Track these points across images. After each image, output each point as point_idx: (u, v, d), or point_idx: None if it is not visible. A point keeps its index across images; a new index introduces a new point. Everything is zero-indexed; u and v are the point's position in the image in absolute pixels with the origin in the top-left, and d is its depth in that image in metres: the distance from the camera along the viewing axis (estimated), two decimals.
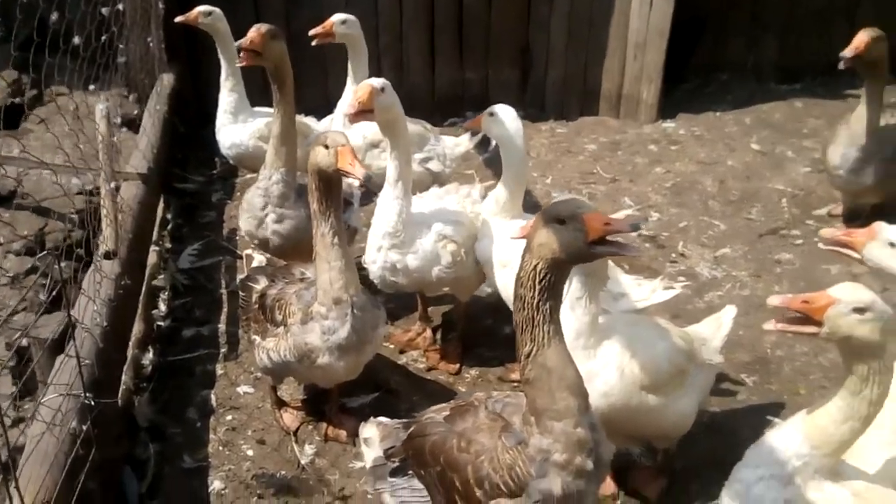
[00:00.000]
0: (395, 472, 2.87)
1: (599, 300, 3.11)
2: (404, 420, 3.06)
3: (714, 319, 3.63)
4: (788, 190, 6.24)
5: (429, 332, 4.55)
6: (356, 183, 3.16)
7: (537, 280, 2.33)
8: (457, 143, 5.47)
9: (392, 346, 4.53)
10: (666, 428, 3.25)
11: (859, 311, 2.24)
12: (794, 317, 2.35)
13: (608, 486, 3.51)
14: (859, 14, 8.38)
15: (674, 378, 3.16)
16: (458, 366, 4.35)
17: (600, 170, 6.73)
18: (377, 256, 3.87)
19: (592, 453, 2.49)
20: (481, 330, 4.63)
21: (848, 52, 4.89)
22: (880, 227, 2.76)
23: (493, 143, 4.07)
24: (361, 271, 4.03)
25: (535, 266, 2.33)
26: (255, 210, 4.14)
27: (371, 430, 3.02)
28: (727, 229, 5.76)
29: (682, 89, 8.25)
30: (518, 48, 7.77)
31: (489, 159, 6.82)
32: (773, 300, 2.37)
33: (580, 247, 2.28)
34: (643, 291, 3.73)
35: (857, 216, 5.59)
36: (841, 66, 4.98)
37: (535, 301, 2.35)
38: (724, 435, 3.87)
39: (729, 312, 3.62)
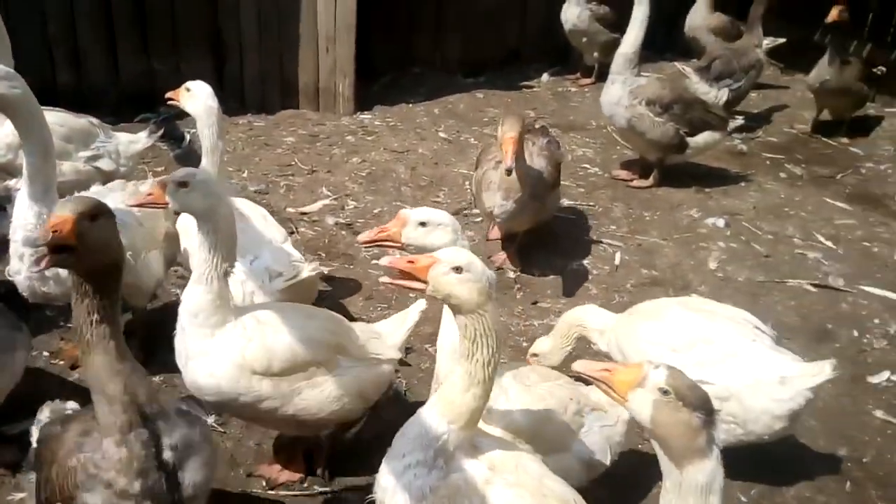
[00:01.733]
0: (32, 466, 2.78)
1: (226, 281, 3.13)
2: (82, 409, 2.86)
3: (402, 315, 3.73)
4: (471, 174, 6.74)
5: None
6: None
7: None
8: (133, 140, 5.18)
9: (63, 363, 4.16)
10: (295, 415, 3.25)
11: (457, 270, 2.41)
12: (404, 275, 2.46)
13: (288, 473, 3.57)
14: (529, 11, 9.36)
15: (300, 367, 3.19)
16: None
17: (298, 161, 6.77)
18: (21, 266, 3.50)
19: (145, 474, 2.36)
20: (165, 335, 4.40)
21: (509, 162, 4.59)
22: (404, 213, 2.93)
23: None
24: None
25: None
26: None
27: (45, 413, 2.91)
28: None
29: (380, 83, 8.59)
30: (208, 37, 7.51)
31: (182, 155, 6.55)
32: (385, 261, 2.56)
33: None
34: (298, 269, 3.88)
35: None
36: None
37: (77, 301, 2.25)
38: (407, 405, 4.11)
39: (416, 307, 3.69)
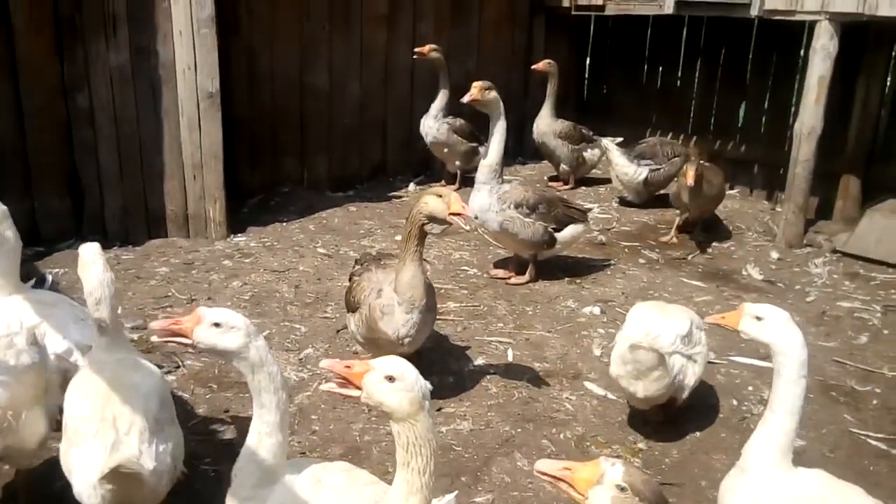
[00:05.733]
0: None
1: None
2: None
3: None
4: None
5: None
6: None
7: None
8: None
9: None
10: None
11: (390, 379, 2.46)
12: (341, 381, 2.51)
13: None
14: (389, 128, 9.81)
15: None
16: None
17: (175, 291, 6.55)
18: None
19: None
20: (53, 495, 4.04)
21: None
22: (201, 311, 2.94)
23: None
24: None
25: None
26: None
27: None
28: (308, 331, 6.04)
29: (248, 204, 8.59)
30: (64, 176, 7.26)
31: None
32: (324, 363, 2.55)
33: None
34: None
35: None
36: None
37: None
38: None
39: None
